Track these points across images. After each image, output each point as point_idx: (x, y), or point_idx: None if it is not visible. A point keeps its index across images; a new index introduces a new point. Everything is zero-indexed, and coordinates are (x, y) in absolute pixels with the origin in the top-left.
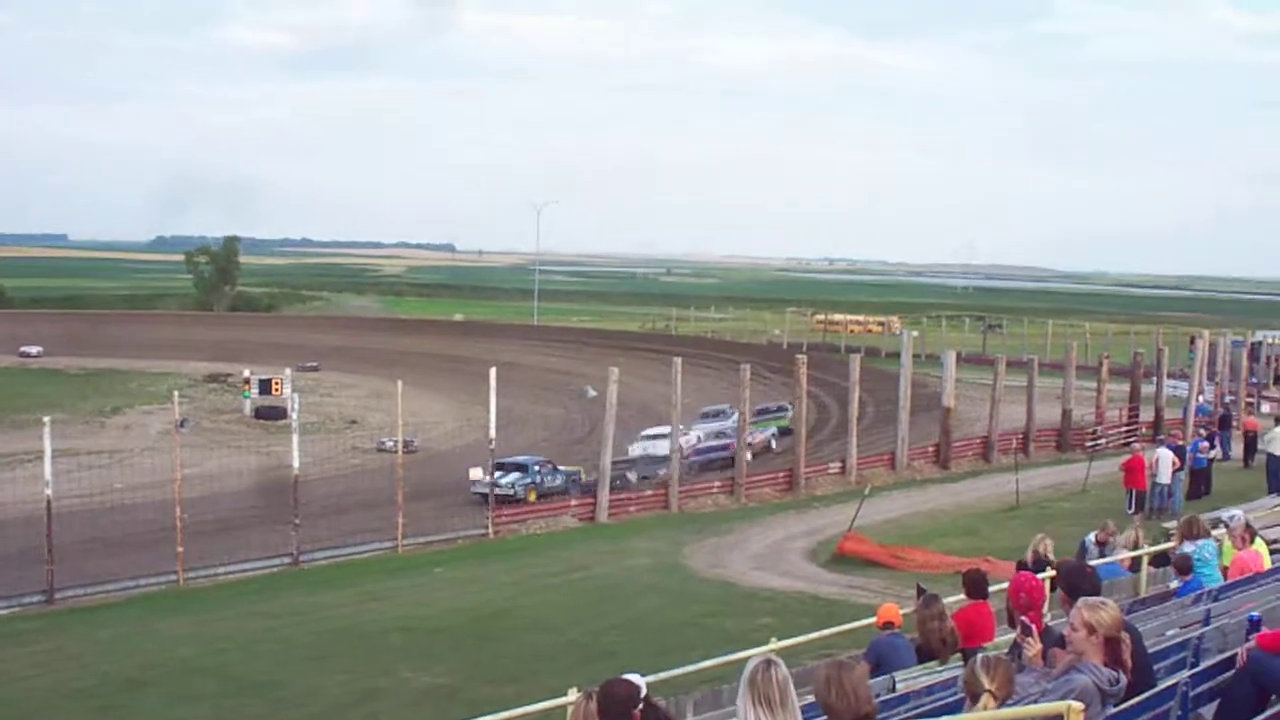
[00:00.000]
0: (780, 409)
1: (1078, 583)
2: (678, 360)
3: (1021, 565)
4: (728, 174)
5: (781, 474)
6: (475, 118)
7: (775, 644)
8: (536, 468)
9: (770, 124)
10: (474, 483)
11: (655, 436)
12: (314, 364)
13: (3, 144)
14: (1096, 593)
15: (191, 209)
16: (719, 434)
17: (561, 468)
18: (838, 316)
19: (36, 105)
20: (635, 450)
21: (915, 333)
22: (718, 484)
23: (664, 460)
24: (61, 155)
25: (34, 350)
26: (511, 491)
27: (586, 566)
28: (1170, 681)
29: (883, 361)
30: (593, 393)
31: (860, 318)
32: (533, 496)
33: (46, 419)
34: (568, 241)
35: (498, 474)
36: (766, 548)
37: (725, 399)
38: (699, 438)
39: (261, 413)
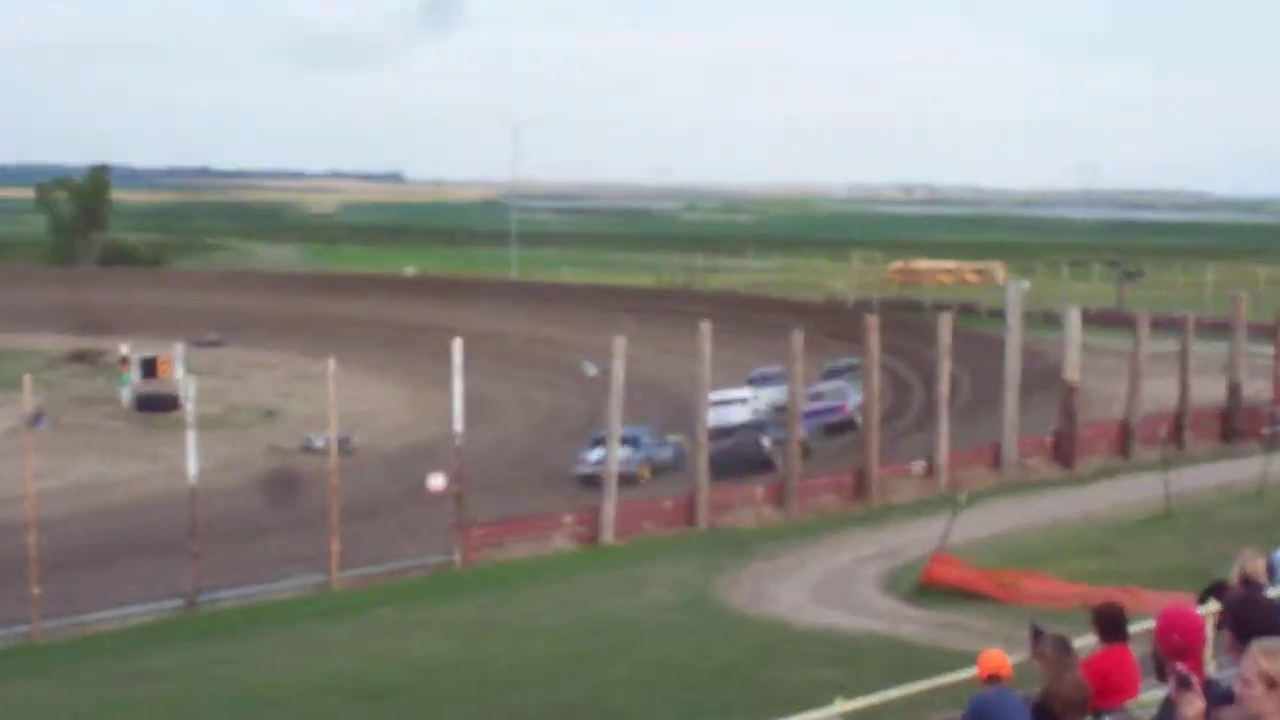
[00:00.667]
0: (850, 367)
1: (1251, 620)
2: (705, 325)
3: (1213, 593)
4: (766, 76)
5: (847, 476)
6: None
7: (843, 705)
8: (647, 439)
9: (823, 7)
10: (579, 461)
11: (723, 403)
12: (215, 337)
13: None
14: (1278, 633)
15: (41, 126)
16: (815, 396)
17: (670, 437)
18: (920, 264)
19: None
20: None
21: (1026, 284)
22: (761, 491)
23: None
24: None
25: None
26: (625, 469)
27: (586, 603)
28: None
29: (982, 322)
30: (593, 370)
31: (950, 264)
32: (647, 474)
33: None
34: (555, 168)
35: (597, 452)
36: (828, 575)
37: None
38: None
39: (145, 403)
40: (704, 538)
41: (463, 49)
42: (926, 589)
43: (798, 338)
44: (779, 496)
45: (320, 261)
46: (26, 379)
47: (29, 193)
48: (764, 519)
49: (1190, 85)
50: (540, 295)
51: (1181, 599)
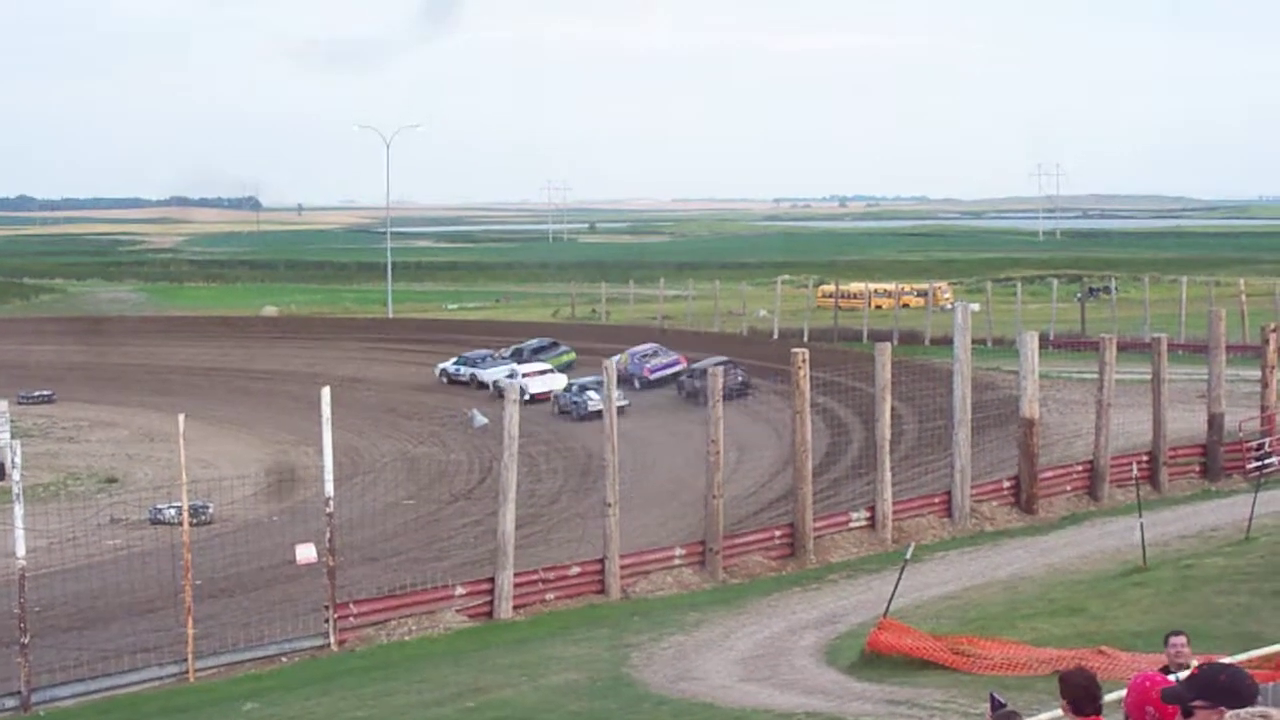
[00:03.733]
0: (554, 344)
1: (1225, 686)
2: (610, 363)
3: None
4: (677, 77)
5: (777, 532)
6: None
7: None
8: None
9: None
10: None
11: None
12: (46, 391)
13: None
14: (1251, 701)
15: None
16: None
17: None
18: (855, 286)
19: None
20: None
21: (976, 306)
22: (680, 552)
23: None
24: None
25: None
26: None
27: (482, 690)
28: None
29: (927, 351)
30: (482, 419)
31: (889, 286)
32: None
33: None
34: (434, 188)
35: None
36: (760, 646)
37: (681, 414)
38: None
39: None
40: (616, 608)
41: (323, 52)
42: (872, 659)
43: (715, 374)
44: (701, 558)
45: (165, 302)
46: None
47: None
48: (684, 584)
49: (1165, 71)
50: (420, 334)
51: (1160, 663)
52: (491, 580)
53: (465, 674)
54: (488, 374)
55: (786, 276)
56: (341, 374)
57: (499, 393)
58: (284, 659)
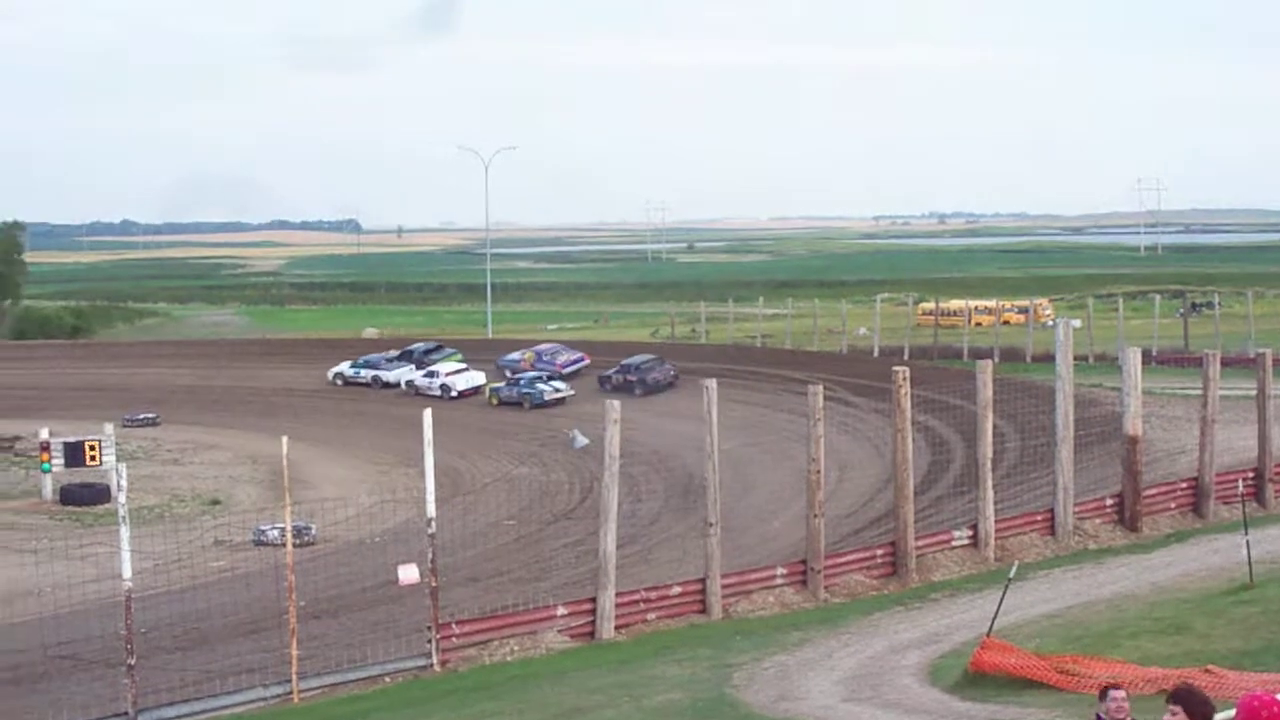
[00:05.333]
0: (440, 347)
1: None
2: (711, 383)
3: None
4: (775, 95)
5: (880, 551)
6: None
7: None
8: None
9: (841, 15)
10: (498, 389)
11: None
12: (150, 415)
13: None
14: None
15: None
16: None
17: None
18: (955, 304)
19: None
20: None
21: (1077, 322)
22: (782, 572)
23: None
24: None
25: None
26: None
27: (584, 710)
28: None
29: (1028, 368)
30: (583, 440)
31: (990, 303)
32: None
33: None
34: (532, 210)
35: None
36: (862, 665)
37: (783, 433)
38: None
39: (70, 495)
40: (718, 628)
41: (423, 75)
42: (976, 679)
43: (815, 394)
44: (802, 577)
45: (267, 325)
46: None
47: None
48: (786, 603)
49: (1269, 85)
50: None
51: (1269, 682)
52: (593, 600)
53: (567, 694)
54: (392, 375)
55: (886, 294)
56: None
57: (415, 391)
58: (387, 679)
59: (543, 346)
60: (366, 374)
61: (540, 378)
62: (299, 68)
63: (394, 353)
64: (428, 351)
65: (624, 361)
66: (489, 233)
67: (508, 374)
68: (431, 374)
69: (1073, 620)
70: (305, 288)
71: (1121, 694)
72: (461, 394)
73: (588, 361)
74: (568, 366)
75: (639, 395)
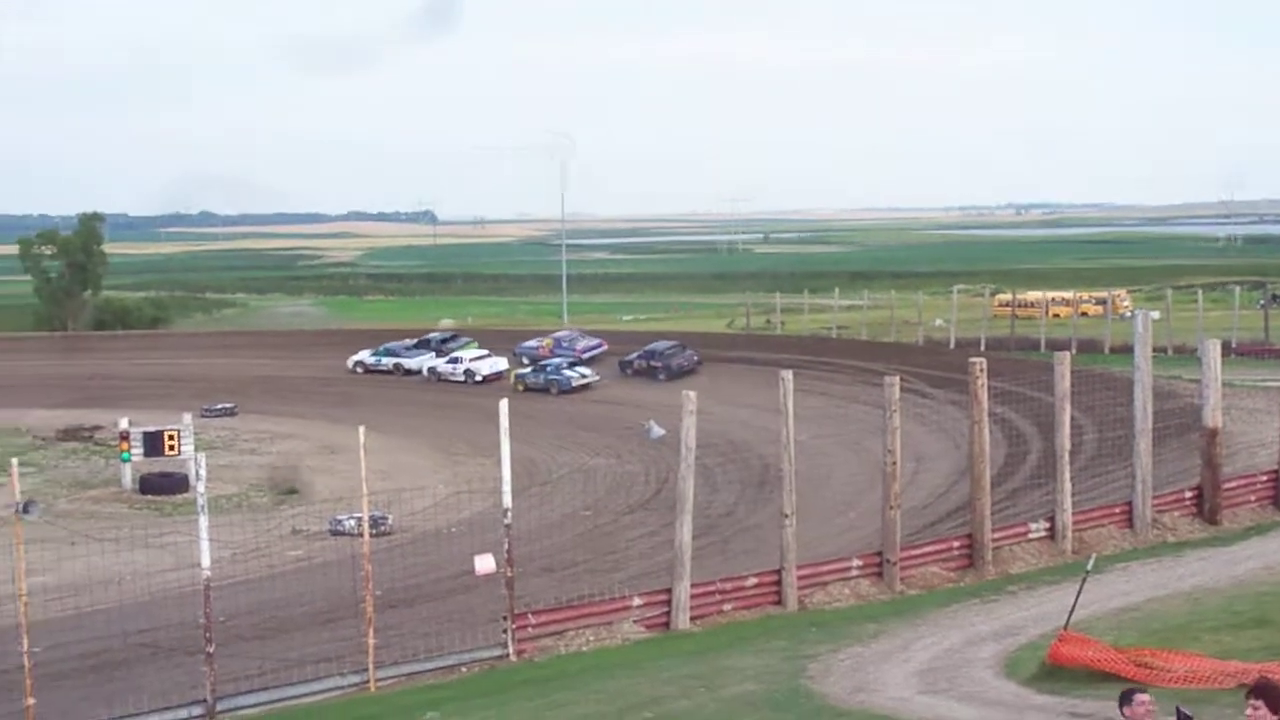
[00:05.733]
0: (455, 336)
1: None
2: (787, 374)
3: None
4: (852, 86)
5: (955, 543)
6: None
7: None
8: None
9: (915, 8)
10: (523, 375)
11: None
12: (228, 405)
13: None
14: None
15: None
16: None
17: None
18: (1032, 295)
19: None
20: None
21: (1156, 314)
22: (857, 563)
23: None
24: None
25: None
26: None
27: (658, 700)
28: None
29: (1106, 360)
30: (659, 430)
31: (1067, 294)
32: None
33: None
34: (607, 201)
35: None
36: (938, 658)
37: (858, 424)
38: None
39: (150, 484)
40: (794, 620)
41: (500, 68)
42: (1053, 671)
43: (892, 384)
44: (878, 569)
45: (344, 315)
46: (13, 462)
47: (9, 248)
48: (861, 595)
49: None
50: None
51: None
52: (669, 591)
53: (643, 685)
54: (414, 362)
55: (962, 286)
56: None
57: (438, 377)
58: (463, 669)
59: (561, 334)
60: (388, 361)
61: (566, 364)
62: (377, 61)
63: (411, 341)
64: (444, 340)
65: (646, 348)
66: (564, 224)
67: (524, 360)
68: (455, 360)
69: (1151, 613)
70: (382, 279)
71: (1148, 698)
72: (486, 379)
73: (606, 348)
74: (587, 352)
75: (663, 380)
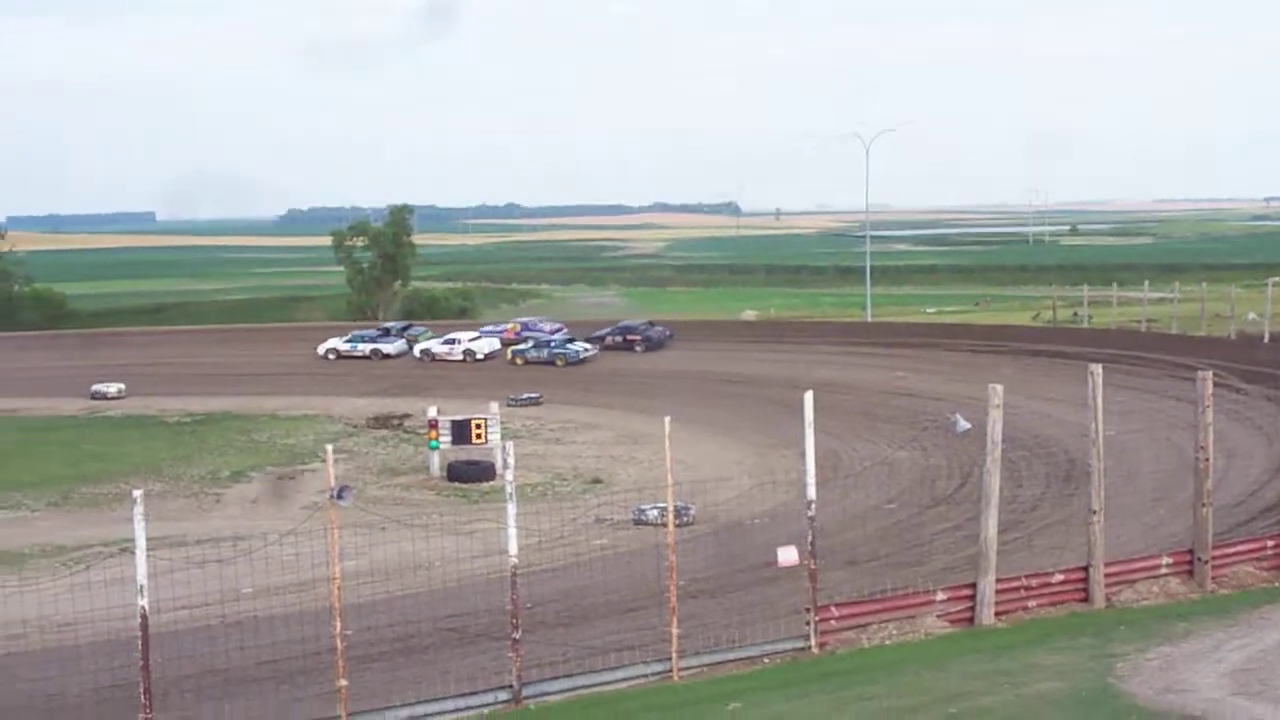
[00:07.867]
0: (410, 325)
1: None
2: (1096, 368)
3: None
4: (1161, 75)
5: (1270, 542)
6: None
7: None
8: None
9: None
10: (522, 351)
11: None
12: (534, 394)
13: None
14: None
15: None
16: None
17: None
18: None
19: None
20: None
21: None
22: (1167, 561)
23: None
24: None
25: (112, 389)
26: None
27: (962, 695)
28: None
29: None
30: (965, 425)
31: None
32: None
33: (137, 492)
34: (911, 193)
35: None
36: (1252, 659)
37: (1168, 420)
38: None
39: (457, 472)
40: (1099, 617)
41: (805, 59)
42: None
43: (1204, 379)
44: (1188, 567)
45: (647, 306)
46: (327, 449)
47: (323, 239)
48: (1171, 593)
49: None
50: (896, 339)
51: None
52: (973, 586)
53: (946, 680)
54: (391, 347)
55: (1278, 279)
56: (818, 378)
57: (432, 358)
58: (765, 660)
59: (525, 320)
60: (364, 348)
61: (571, 338)
62: (681, 53)
63: (373, 330)
64: (403, 329)
65: (620, 324)
66: (868, 215)
67: (523, 334)
68: (451, 341)
69: None
70: (685, 270)
71: None
72: (488, 356)
73: (566, 330)
74: (554, 334)
75: (640, 353)
